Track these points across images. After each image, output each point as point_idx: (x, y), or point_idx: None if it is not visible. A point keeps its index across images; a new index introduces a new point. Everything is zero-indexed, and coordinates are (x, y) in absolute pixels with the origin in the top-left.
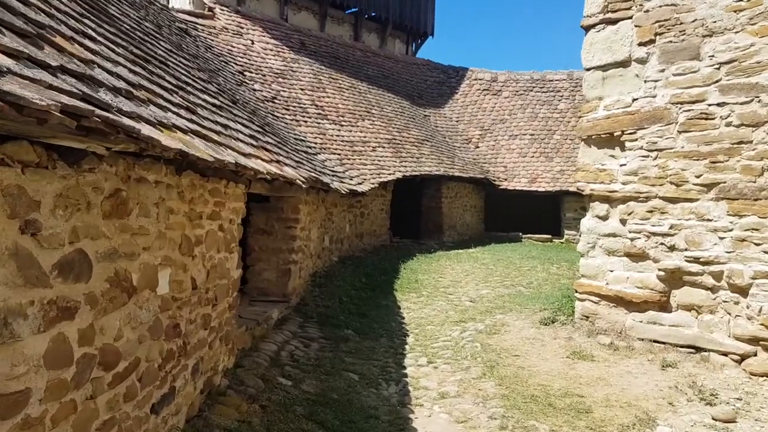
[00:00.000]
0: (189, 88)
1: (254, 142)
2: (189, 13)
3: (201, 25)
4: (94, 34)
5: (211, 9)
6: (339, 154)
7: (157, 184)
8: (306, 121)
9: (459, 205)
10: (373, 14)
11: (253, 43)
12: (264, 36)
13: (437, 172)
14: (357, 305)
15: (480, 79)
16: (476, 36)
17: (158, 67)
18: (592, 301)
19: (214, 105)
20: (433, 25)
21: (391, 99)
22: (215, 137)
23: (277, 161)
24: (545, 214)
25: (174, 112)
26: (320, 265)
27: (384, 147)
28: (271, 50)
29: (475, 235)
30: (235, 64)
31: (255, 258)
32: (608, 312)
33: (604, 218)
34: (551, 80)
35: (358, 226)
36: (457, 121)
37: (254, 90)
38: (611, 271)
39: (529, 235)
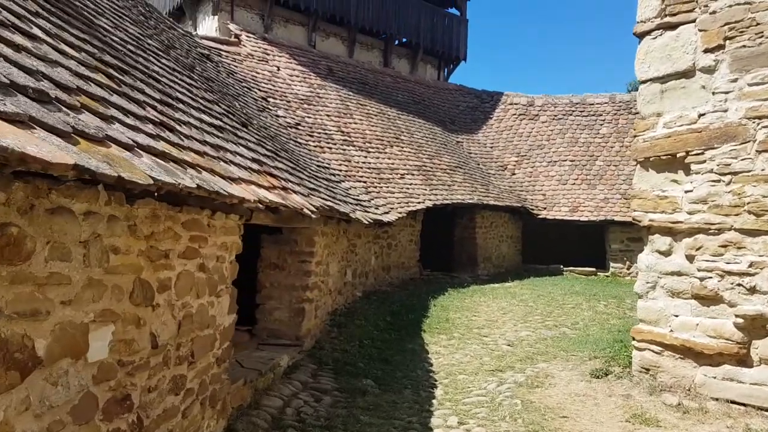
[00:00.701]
0: (180, 105)
1: (255, 167)
2: (213, 39)
3: (225, 51)
4: (38, 32)
5: (237, 36)
6: (365, 182)
7: (89, 216)
8: (330, 148)
9: (494, 236)
10: (404, 40)
11: (278, 70)
12: (290, 62)
13: (470, 201)
14: (379, 349)
15: (515, 104)
16: (509, 61)
17: (138, 80)
18: (653, 351)
19: (212, 125)
20: (465, 49)
21: (421, 125)
22: (188, 157)
23: (284, 188)
24: (588, 246)
25: (130, 126)
26: (341, 302)
27: (413, 174)
28: (297, 76)
29: (512, 268)
30: (259, 90)
31: (266, 295)
32: (673, 365)
33: (666, 253)
34: (591, 104)
35: (384, 258)
36: (491, 148)
37: (277, 116)
38: (676, 316)
39: (570, 268)
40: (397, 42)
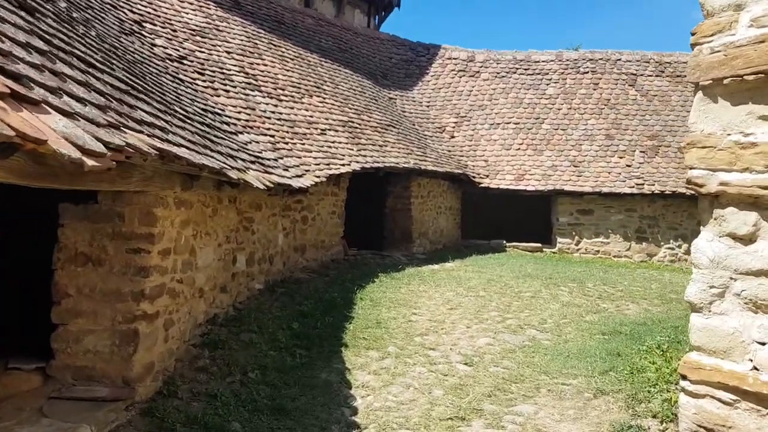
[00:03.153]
0: None
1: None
2: None
3: None
4: None
5: None
6: (273, 136)
7: None
8: (228, 91)
9: (432, 207)
10: None
11: None
12: None
13: (406, 165)
14: (274, 387)
15: (454, 59)
16: (447, 9)
17: None
18: (720, 399)
19: None
20: None
21: (348, 76)
22: None
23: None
24: (532, 219)
25: None
26: (225, 304)
27: (337, 131)
28: (191, 4)
29: (450, 244)
30: (130, 11)
31: (69, 310)
32: (757, 425)
33: (749, 239)
34: (537, 61)
35: (298, 236)
36: (428, 107)
37: (153, 45)
38: (762, 344)
39: (514, 244)
40: None
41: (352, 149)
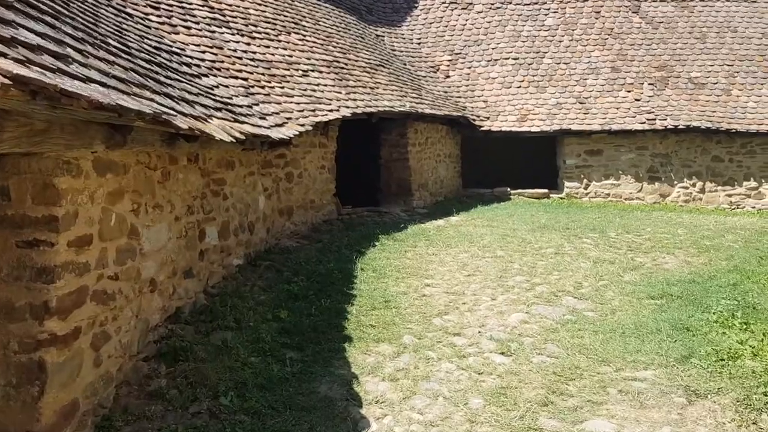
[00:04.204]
0: None
1: None
2: None
3: None
4: None
5: None
6: (245, 79)
7: None
8: (189, 28)
9: (430, 155)
10: None
11: None
12: None
13: (402, 109)
14: (255, 415)
15: None
16: None
17: None
18: None
19: None
20: None
21: (329, 11)
22: None
23: None
24: (536, 162)
25: None
26: (192, 292)
27: (321, 72)
28: None
29: (451, 195)
30: None
31: None
32: None
33: None
34: None
35: (282, 196)
36: (419, 44)
37: None
38: None
39: (519, 191)
40: None
41: (340, 92)
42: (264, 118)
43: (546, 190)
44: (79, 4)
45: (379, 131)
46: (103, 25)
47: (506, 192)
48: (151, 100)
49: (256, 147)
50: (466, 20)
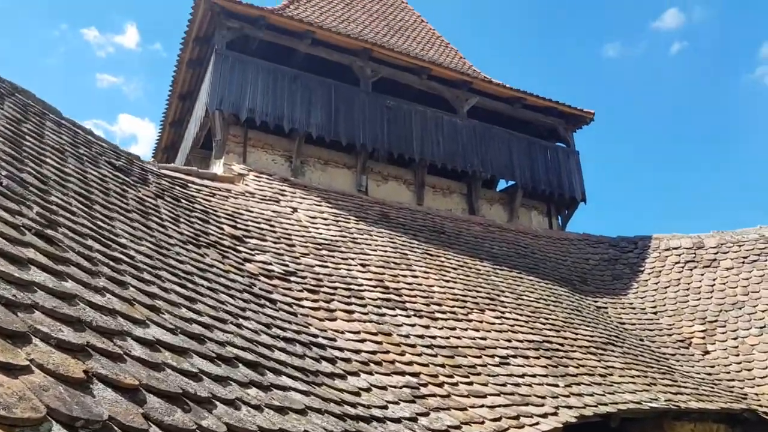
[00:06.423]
0: None
1: None
2: (191, 172)
3: (210, 187)
4: None
5: (241, 174)
6: (417, 375)
7: None
8: (351, 312)
9: None
10: (499, 180)
11: (294, 211)
12: (319, 206)
13: (654, 405)
14: None
15: (675, 249)
16: (632, 200)
17: None
18: None
19: None
20: (582, 188)
21: (533, 283)
22: None
23: None
24: None
25: None
26: None
27: (528, 358)
28: (325, 219)
29: None
30: (233, 226)
31: None
32: None
33: None
34: None
35: None
36: (655, 313)
37: (246, 260)
38: None
39: None
40: (483, 184)
41: (557, 385)
42: None
43: None
44: (206, 290)
45: None
46: (223, 313)
47: None
48: None
49: None
50: (713, 280)
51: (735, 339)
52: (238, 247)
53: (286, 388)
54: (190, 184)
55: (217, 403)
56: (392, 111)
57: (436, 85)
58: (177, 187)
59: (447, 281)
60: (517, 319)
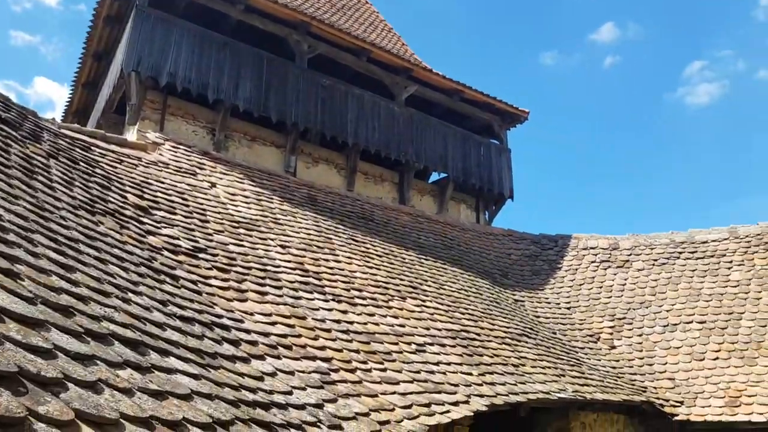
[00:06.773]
0: None
1: None
2: (95, 135)
3: (117, 153)
4: None
5: (156, 143)
6: (328, 360)
7: None
8: (264, 294)
9: None
10: (430, 170)
11: (212, 186)
12: (241, 182)
13: (562, 396)
14: None
15: (592, 248)
16: (556, 200)
17: None
18: None
19: None
20: (510, 185)
21: (456, 275)
22: None
23: None
24: None
25: None
26: None
27: (444, 346)
28: (247, 198)
29: None
30: (138, 195)
31: None
32: None
33: None
34: (705, 242)
35: None
36: (568, 308)
37: (148, 233)
38: None
39: None
40: (417, 175)
41: (471, 373)
42: (333, 430)
43: None
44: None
45: (527, 427)
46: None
47: None
48: None
49: None
50: (625, 279)
51: (640, 336)
52: (141, 219)
53: (171, 370)
54: (93, 147)
55: (70, 385)
56: (328, 91)
57: (375, 68)
58: (77, 149)
59: (370, 267)
60: (437, 308)
